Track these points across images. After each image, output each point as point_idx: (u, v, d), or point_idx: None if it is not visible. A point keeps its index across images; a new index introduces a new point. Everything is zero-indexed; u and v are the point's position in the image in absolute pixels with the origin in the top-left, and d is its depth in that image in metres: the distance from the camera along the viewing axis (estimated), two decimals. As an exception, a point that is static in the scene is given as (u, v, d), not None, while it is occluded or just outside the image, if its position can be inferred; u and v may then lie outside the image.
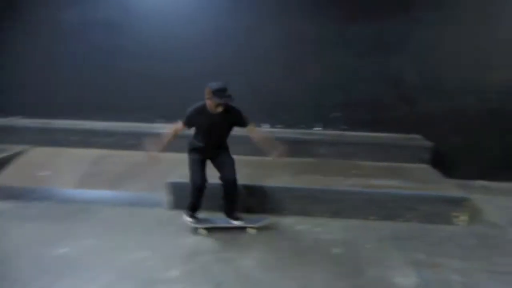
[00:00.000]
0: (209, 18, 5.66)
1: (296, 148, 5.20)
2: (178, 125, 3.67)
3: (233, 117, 3.63)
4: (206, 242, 3.61)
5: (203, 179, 3.71)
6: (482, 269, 3.24)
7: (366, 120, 5.62)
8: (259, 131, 4.04)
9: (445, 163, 5.42)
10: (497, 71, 5.38)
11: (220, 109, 3.50)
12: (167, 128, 3.76)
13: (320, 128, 5.74)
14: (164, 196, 4.31)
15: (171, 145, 3.76)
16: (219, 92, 3.41)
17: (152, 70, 5.80)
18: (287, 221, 4.08)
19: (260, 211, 4.21)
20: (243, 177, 4.44)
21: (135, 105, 5.97)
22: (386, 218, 4.13)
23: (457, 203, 4.08)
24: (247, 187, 4.24)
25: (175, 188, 4.27)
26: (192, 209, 3.81)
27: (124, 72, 5.87)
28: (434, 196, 4.11)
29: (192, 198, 3.74)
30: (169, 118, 5.83)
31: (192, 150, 3.77)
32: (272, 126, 5.85)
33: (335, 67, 5.54)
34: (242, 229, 3.82)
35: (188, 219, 3.82)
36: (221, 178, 3.78)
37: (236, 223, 3.85)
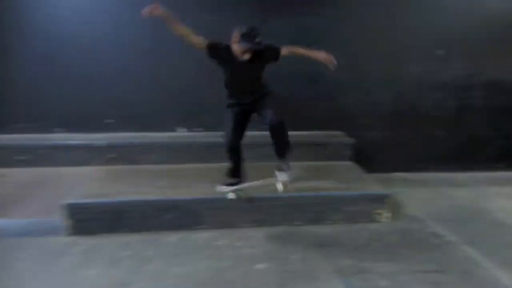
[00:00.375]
0: (109, 15, 5.02)
1: (216, 152, 4.81)
2: (200, 39, 3.24)
3: (264, 57, 3.32)
4: (111, 272, 3.07)
5: (233, 140, 3.43)
6: (407, 270, 3.13)
7: (288, 119, 5.38)
8: (293, 47, 3.62)
9: (367, 158, 5.41)
10: (413, 65, 5.48)
11: (246, 57, 3.15)
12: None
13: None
14: (60, 221, 3.66)
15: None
16: (249, 36, 3.06)
17: (43, 73, 5.02)
18: (205, 236, 3.68)
19: (174, 227, 3.76)
20: (155, 191, 3.98)
21: (24, 113, 5.13)
22: (311, 222, 3.92)
23: (380, 200, 4.01)
24: (159, 202, 3.76)
25: (74, 211, 3.64)
26: (230, 175, 3.63)
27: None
28: (358, 196, 3.98)
29: (228, 162, 3.57)
30: (68, 126, 5.20)
31: (228, 106, 3.49)
32: (190, 129, 5.40)
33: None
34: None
35: (224, 188, 3.64)
36: (265, 122, 3.38)
37: (279, 175, 3.58)
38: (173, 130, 5.38)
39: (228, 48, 3.22)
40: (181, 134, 5.35)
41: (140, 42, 5.09)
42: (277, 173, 3.63)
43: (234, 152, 3.51)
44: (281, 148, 3.55)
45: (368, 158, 5.44)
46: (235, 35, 3.12)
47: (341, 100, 5.44)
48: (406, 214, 4.24)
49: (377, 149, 5.60)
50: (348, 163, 5.00)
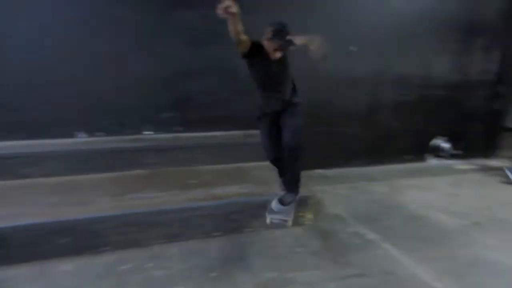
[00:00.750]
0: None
1: (121, 159, 4.29)
2: (246, 37, 2.80)
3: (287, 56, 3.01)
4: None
5: (274, 153, 3.22)
6: (332, 276, 2.97)
7: (203, 119, 5.00)
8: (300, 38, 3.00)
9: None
10: (327, 61, 5.42)
11: (278, 55, 2.91)
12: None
13: (150, 132, 4.88)
14: None
15: None
16: (281, 33, 2.80)
17: None
18: (108, 261, 3.15)
19: (69, 253, 3.17)
20: (46, 211, 3.34)
21: None
22: (230, 232, 3.60)
23: (303, 202, 3.82)
24: (49, 225, 3.13)
25: None
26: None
27: None
28: (279, 199, 3.75)
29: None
30: None
31: (259, 118, 3.26)
32: (91, 134, 4.72)
33: (163, 60, 4.73)
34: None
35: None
36: (282, 140, 3.11)
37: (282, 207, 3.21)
38: (70, 136, 4.66)
39: (261, 46, 2.92)
40: (80, 140, 4.66)
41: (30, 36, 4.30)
42: (274, 205, 3.26)
43: (279, 161, 3.28)
44: (289, 180, 3.28)
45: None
46: (267, 31, 2.84)
47: (258, 98, 5.17)
48: (328, 214, 4.14)
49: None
50: (268, 164, 4.76)
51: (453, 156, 6.52)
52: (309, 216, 3.85)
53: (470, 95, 6.50)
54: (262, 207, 3.65)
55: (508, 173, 5.62)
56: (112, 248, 3.26)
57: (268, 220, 3.25)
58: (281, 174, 3.44)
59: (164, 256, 3.23)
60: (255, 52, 2.92)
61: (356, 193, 4.84)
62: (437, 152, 6.48)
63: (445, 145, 6.46)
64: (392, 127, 6.04)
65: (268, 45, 2.89)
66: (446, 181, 5.52)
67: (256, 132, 5.08)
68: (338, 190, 4.91)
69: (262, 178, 4.23)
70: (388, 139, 6.06)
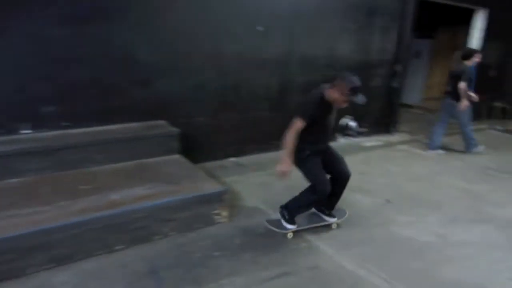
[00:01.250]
0: None
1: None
2: (298, 124, 3.02)
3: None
4: None
5: (328, 186, 3.15)
6: (256, 279, 2.69)
7: (94, 111, 4.28)
8: None
9: (195, 147, 4.85)
10: (234, 42, 5.06)
11: (344, 105, 3.05)
12: (288, 135, 3.06)
13: (29, 131, 4.04)
14: None
15: None
16: (357, 90, 2.93)
17: None
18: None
19: None
20: None
21: None
22: (138, 242, 3.10)
23: (217, 198, 3.47)
24: None
25: None
26: (296, 215, 3.33)
27: None
28: (192, 198, 3.34)
29: (307, 203, 3.34)
30: None
31: (307, 157, 3.16)
32: None
33: (37, 42, 3.89)
34: None
35: (290, 226, 3.28)
36: (337, 173, 3.30)
37: (331, 220, 3.46)
38: None
39: (321, 98, 3.07)
40: None
41: None
42: (331, 219, 3.48)
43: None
44: (335, 202, 3.48)
45: (197, 147, 4.90)
46: (343, 86, 2.92)
47: (159, 85, 4.63)
48: (246, 207, 3.85)
49: (205, 136, 5.08)
50: (176, 157, 4.30)
51: (360, 134, 6.72)
52: (225, 213, 3.51)
53: (371, 74, 6.71)
54: (173, 209, 3.23)
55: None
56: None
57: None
58: (328, 202, 3.46)
59: (50, 284, 2.62)
60: (315, 114, 3.05)
61: (272, 180, 4.61)
62: (345, 130, 6.61)
63: (352, 123, 6.61)
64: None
65: (340, 98, 2.98)
66: (356, 159, 5.62)
67: (160, 123, 4.61)
68: (253, 179, 4.66)
69: (169, 175, 3.77)
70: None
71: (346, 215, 3.54)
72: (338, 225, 3.50)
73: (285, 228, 3.28)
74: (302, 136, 3.07)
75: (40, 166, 3.67)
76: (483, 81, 7.73)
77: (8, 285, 2.59)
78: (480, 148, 6.09)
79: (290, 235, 3.29)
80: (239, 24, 5.04)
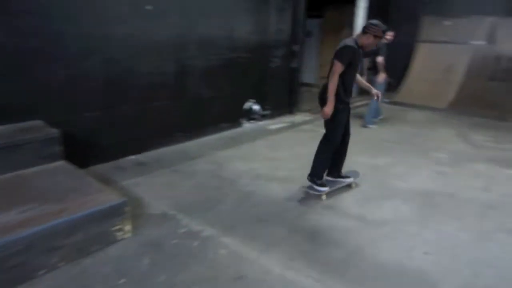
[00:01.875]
0: None
1: None
2: (338, 68, 3.36)
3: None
4: None
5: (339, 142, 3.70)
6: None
7: None
8: None
9: (85, 149, 4.17)
10: (121, 24, 4.38)
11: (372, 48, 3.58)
12: (332, 80, 3.36)
13: None
14: None
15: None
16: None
17: None
18: None
19: None
20: None
21: None
22: (12, 284, 2.43)
23: (116, 212, 2.93)
24: None
25: None
26: (322, 174, 3.75)
27: None
28: (83, 218, 2.73)
29: (326, 162, 3.72)
30: None
31: (341, 110, 3.51)
32: None
33: None
34: None
35: (323, 189, 3.70)
36: (345, 133, 3.73)
37: (348, 180, 3.95)
38: None
39: (355, 49, 3.39)
40: None
41: None
42: (347, 180, 3.94)
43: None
44: (343, 161, 3.95)
45: (86, 149, 4.23)
46: (377, 30, 3.38)
47: (32, 77, 3.79)
48: (152, 215, 3.35)
49: (95, 134, 4.38)
50: (59, 165, 3.57)
51: (264, 117, 6.59)
52: (127, 227, 2.99)
53: (270, 55, 6.58)
54: (60, 233, 2.62)
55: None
56: None
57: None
58: (336, 166, 3.90)
59: None
60: (351, 57, 3.38)
61: (178, 178, 4.19)
62: (250, 115, 6.41)
63: (255, 106, 6.44)
64: (204, 95, 5.55)
65: (373, 41, 3.43)
66: (264, 144, 5.47)
67: (35, 123, 3.79)
68: (157, 178, 4.15)
69: (52, 189, 3.08)
70: (201, 108, 5.57)
71: (360, 175, 4.09)
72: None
73: (319, 191, 3.68)
74: (343, 87, 3.48)
75: None
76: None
77: None
78: (374, 126, 6.48)
79: (324, 197, 3.70)
80: (124, 2, 4.37)
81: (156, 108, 4.98)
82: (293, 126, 6.52)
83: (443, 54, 8.55)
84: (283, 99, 7.07)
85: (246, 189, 3.93)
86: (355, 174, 4.09)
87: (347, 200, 3.75)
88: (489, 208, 3.62)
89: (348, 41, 3.43)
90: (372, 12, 8.85)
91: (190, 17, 5.08)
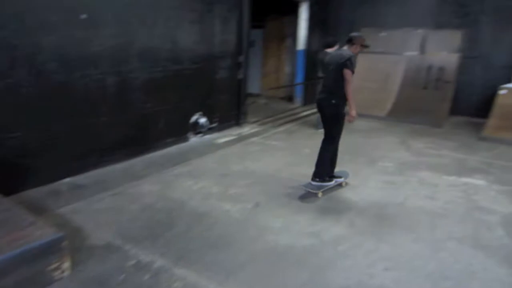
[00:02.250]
0: None
1: None
2: (351, 76, 3.80)
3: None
4: None
5: None
6: None
7: None
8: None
9: (11, 173, 3.73)
10: (53, 34, 3.96)
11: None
12: (349, 87, 3.82)
13: None
14: None
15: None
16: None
17: None
18: None
19: None
20: None
21: None
22: None
23: (52, 248, 2.58)
24: None
25: None
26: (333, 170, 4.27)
27: None
28: (12, 259, 2.37)
29: (330, 156, 4.17)
30: None
31: (341, 115, 3.98)
32: None
33: None
34: None
35: (340, 179, 4.30)
36: None
37: (340, 180, 4.33)
38: None
39: (354, 58, 3.89)
40: None
41: None
42: (339, 179, 4.32)
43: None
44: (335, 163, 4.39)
45: (14, 173, 3.76)
46: (361, 40, 3.97)
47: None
48: (94, 247, 3.01)
49: (25, 155, 3.92)
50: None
51: (211, 130, 6.39)
52: (65, 265, 2.64)
53: (216, 66, 6.40)
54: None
55: None
56: None
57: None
58: (331, 167, 4.28)
59: None
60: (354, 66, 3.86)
61: (122, 202, 3.85)
62: (196, 128, 6.17)
63: (202, 119, 6.21)
64: (147, 109, 5.22)
65: (359, 50, 4.00)
66: (213, 160, 5.27)
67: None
68: (99, 204, 3.78)
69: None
70: (144, 123, 5.23)
71: (349, 175, 4.45)
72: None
73: (337, 182, 4.25)
74: (341, 93, 3.86)
75: None
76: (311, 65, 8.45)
77: None
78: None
79: (345, 184, 4.31)
80: (55, 10, 3.97)
81: (94, 124, 4.58)
82: (241, 138, 6.38)
83: (381, 64, 8.94)
84: (230, 111, 6.92)
85: (198, 210, 3.71)
86: (345, 174, 4.45)
87: (299, 217, 3.65)
88: (437, 217, 3.73)
89: (347, 52, 3.88)
90: (312, 24, 9.04)
91: (130, 27, 4.76)
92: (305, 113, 8.31)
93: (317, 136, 6.43)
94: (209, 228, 3.39)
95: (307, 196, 4.09)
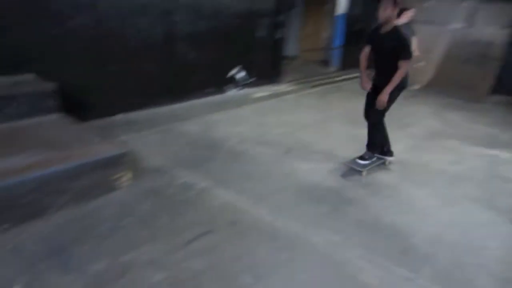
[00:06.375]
0: None
1: None
2: (365, 48, 3.67)
3: (397, 42, 3.34)
4: None
5: (365, 113, 3.88)
6: (177, 245, 2.52)
7: None
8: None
9: (76, 105, 4.22)
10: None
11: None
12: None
13: None
14: None
15: None
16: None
17: None
18: None
19: None
20: None
21: None
22: (27, 219, 2.60)
23: (117, 161, 3.09)
24: None
25: None
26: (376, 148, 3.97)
27: None
28: (87, 164, 2.89)
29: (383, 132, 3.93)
30: None
31: (399, 90, 3.58)
32: None
33: None
34: None
35: (391, 158, 4.07)
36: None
37: (361, 162, 3.87)
38: None
39: (377, 25, 3.53)
40: None
41: None
42: (359, 161, 3.88)
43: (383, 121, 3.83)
44: (368, 144, 3.98)
45: (78, 105, 4.28)
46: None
47: (21, 33, 3.80)
48: (148, 168, 3.54)
49: (86, 91, 4.44)
50: (56, 117, 3.67)
51: (247, 84, 6.73)
52: (127, 176, 3.17)
53: (256, 24, 6.63)
54: (67, 178, 2.77)
55: None
56: None
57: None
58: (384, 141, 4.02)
59: None
60: (370, 36, 3.67)
61: (169, 137, 4.36)
62: (235, 82, 6.54)
63: (242, 73, 6.56)
64: (190, 59, 5.61)
65: (391, 14, 3.40)
66: (250, 111, 5.66)
67: (29, 77, 3.81)
68: (149, 136, 4.31)
69: (54, 138, 3.20)
70: (187, 73, 5.65)
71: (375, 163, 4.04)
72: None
73: (387, 160, 4.04)
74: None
75: None
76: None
77: None
78: None
79: (364, 173, 3.81)
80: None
81: (144, 69, 5.05)
82: (276, 95, 6.72)
83: (424, 34, 8.84)
84: (267, 68, 7.19)
85: (235, 149, 4.15)
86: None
87: (328, 165, 4.02)
88: (457, 179, 3.93)
89: (404, 33, 3.37)
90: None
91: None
92: (340, 78, 8.46)
93: (350, 99, 6.70)
94: (245, 163, 3.84)
95: (334, 145, 4.42)
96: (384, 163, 4.06)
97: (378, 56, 3.60)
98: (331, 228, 2.86)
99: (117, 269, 2.27)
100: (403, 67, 3.37)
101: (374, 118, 3.76)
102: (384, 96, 3.47)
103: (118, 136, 4.13)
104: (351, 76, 8.57)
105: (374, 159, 3.95)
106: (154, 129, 4.53)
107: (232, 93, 6.48)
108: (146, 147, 3.97)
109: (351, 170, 3.87)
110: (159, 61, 5.23)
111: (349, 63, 9.00)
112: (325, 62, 9.94)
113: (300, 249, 2.59)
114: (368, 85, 3.73)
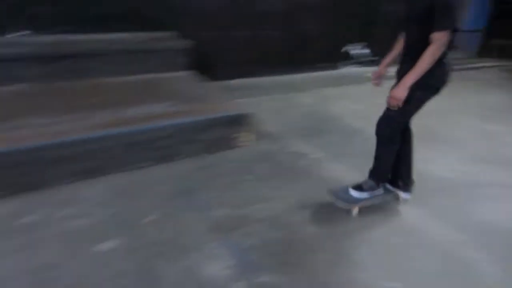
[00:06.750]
0: None
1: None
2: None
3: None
4: None
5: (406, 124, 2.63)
6: (288, 206, 2.58)
7: (95, 15, 3.77)
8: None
9: (204, 64, 4.49)
10: None
11: None
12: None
13: (20, 33, 3.52)
14: None
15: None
16: None
17: None
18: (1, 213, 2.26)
19: None
20: None
21: None
22: (161, 161, 2.92)
23: (239, 122, 3.25)
24: None
25: None
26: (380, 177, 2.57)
27: None
28: (214, 120, 3.10)
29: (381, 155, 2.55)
30: None
31: (428, 89, 2.31)
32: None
33: None
34: None
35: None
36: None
37: (353, 193, 2.55)
38: None
39: None
40: None
41: None
42: (351, 192, 2.59)
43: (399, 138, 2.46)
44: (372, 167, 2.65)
45: (205, 65, 4.53)
46: None
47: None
48: (264, 132, 3.66)
49: (214, 52, 4.70)
50: (186, 74, 3.96)
51: (369, 62, 6.44)
52: (246, 137, 3.31)
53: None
54: (197, 129, 3.00)
55: None
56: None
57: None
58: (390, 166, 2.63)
59: (81, 199, 2.44)
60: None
61: (285, 106, 4.43)
62: (351, 58, 6.31)
63: (363, 51, 6.29)
64: (309, 31, 5.53)
65: None
66: (365, 89, 5.39)
67: (167, 34, 4.13)
68: (266, 104, 4.43)
69: (186, 93, 3.48)
70: (304, 44, 5.58)
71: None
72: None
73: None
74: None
75: (40, 73, 3.27)
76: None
77: (33, 199, 2.40)
78: None
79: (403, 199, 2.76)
80: None
81: (265, 37, 5.12)
82: (392, 77, 6.30)
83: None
84: (388, 46, 6.76)
85: (353, 126, 4.04)
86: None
87: (451, 157, 3.68)
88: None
89: None
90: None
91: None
92: (473, 65, 7.58)
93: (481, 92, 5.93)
94: (362, 142, 3.70)
95: (461, 137, 4.04)
96: (396, 198, 2.72)
97: (406, 29, 2.33)
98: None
99: (235, 218, 2.41)
100: (437, 43, 2.01)
101: (383, 127, 2.46)
102: (400, 91, 2.18)
103: (237, 99, 4.30)
104: (486, 64, 7.64)
105: (378, 192, 2.62)
106: (270, 96, 4.64)
107: (351, 70, 6.26)
108: (261, 113, 4.08)
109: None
110: (279, 29, 5.26)
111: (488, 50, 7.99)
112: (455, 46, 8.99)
113: (413, 236, 2.46)
114: (378, 78, 2.68)
